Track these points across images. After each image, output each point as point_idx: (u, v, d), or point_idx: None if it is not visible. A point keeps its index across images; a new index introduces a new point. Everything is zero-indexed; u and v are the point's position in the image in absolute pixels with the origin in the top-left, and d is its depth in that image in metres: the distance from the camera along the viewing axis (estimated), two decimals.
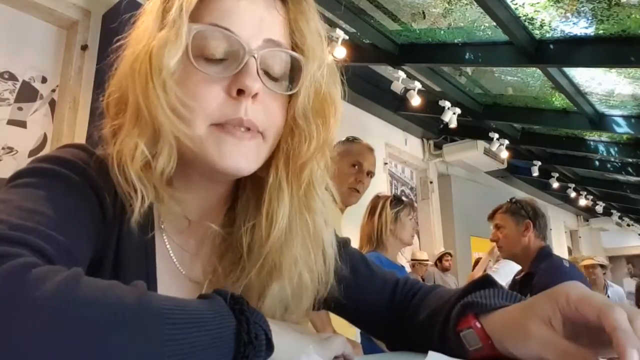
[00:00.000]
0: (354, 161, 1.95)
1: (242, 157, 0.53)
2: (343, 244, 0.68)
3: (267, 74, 0.54)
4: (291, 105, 0.56)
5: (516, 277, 2.30)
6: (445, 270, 4.95)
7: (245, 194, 0.60)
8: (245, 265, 0.57)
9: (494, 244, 2.37)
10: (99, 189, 0.51)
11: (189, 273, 0.59)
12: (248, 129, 0.52)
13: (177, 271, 0.58)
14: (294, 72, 0.57)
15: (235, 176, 0.56)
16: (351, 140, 2.04)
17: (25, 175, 0.48)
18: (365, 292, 0.70)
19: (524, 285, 2.10)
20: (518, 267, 2.35)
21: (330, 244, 0.61)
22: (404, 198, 2.32)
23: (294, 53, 0.56)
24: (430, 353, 0.51)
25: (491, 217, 2.34)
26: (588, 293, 0.46)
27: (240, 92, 0.51)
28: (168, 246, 0.58)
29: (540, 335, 0.46)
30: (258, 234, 0.56)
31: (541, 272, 2.04)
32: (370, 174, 2.00)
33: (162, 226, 0.57)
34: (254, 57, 0.52)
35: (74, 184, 0.49)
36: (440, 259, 5.01)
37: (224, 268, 0.58)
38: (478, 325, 0.53)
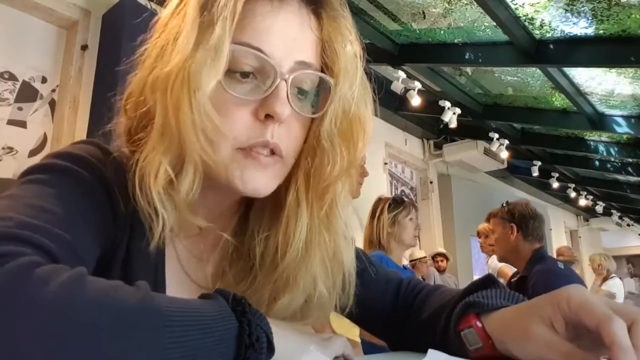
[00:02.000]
0: None
1: (263, 181, 0.52)
2: None
3: (295, 95, 0.53)
4: (316, 125, 0.54)
5: (512, 280, 2.31)
6: (439, 270, 4.93)
7: (260, 203, 0.59)
8: (257, 275, 0.56)
9: None
10: (111, 188, 0.50)
11: (196, 277, 0.58)
12: (272, 152, 0.51)
13: (185, 275, 0.58)
14: (322, 90, 0.55)
15: (253, 197, 0.54)
16: None
17: (37, 171, 0.47)
18: (368, 291, 0.69)
19: (518, 288, 2.10)
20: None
21: (350, 264, 0.59)
22: (405, 199, 2.32)
23: (325, 75, 0.54)
24: (430, 351, 0.51)
25: (487, 221, 2.36)
26: (589, 299, 0.45)
27: (269, 116, 0.50)
28: (177, 249, 0.57)
29: (542, 337, 0.46)
30: (272, 245, 0.55)
31: (535, 276, 2.04)
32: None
33: (172, 229, 0.57)
34: (285, 81, 0.50)
35: (85, 181, 0.48)
36: (433, 258, 4.99)
37: (234, 275, 0.58)
38: (479, 324, 0.53)
